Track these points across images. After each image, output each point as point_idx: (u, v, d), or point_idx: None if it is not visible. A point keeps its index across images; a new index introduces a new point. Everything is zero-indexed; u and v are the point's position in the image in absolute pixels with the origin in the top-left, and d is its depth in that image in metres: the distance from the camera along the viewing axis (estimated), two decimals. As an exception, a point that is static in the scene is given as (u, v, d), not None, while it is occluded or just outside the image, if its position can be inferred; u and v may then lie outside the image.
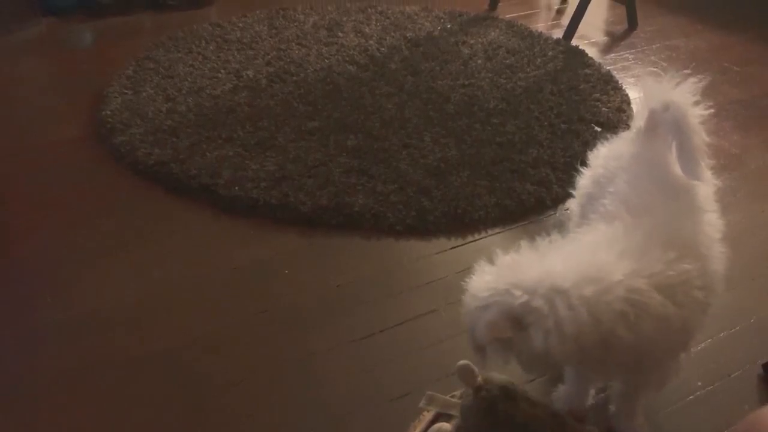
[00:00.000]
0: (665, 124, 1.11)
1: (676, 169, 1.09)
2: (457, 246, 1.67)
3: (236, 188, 1.78)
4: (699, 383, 1.30)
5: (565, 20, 2.82)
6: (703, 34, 2.87)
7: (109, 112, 2.11)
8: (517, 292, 0.87)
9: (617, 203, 1.07)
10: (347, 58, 2.48)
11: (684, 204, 1.06)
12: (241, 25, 2.75)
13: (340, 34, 2.68)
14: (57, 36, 2.74)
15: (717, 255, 1.03)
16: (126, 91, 2.24)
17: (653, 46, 2.76)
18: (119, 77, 2.33)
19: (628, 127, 2.16)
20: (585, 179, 1.28)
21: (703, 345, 1.38)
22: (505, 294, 0.88)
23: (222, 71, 2.38)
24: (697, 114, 1.08)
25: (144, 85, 2.27)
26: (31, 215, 1.75)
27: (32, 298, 1.50)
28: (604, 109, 2.20)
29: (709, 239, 1.04)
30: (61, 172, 1.91)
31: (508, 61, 2.50)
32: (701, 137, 1.08)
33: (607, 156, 1.24)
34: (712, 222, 1.08)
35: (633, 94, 2.36)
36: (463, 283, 0.96)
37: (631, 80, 2.47)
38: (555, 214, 1.78)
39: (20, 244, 1.66)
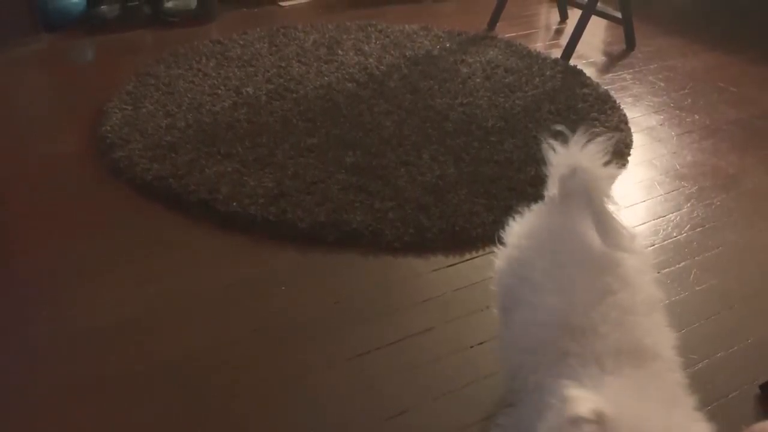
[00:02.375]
0: (574, 191, 1.00)
1: (597, 241, 0.98)
2: (455, 264, 1.67)
3: (234, 204, 1.78)
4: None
5: (564, 40, 2.84)
6: (700, 55, 2.89)
7: (108, 128, 2.12)
8: None
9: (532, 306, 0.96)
10: (347, 76, 2.50)
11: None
12: (241, 42, 2.77)
13: (339, 52, 2.70)
14: (58, 51, 2.76)
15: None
16: (126, 106, 2.25)
17: (651, 66, 2.78)
18: (119, 93, 2.34)
19: (626, 146, 2.17)
20: (501, 261, 1.13)
21: (700, 365, 1.38)
22: None
23: (222, 88, 2.39)
24: (607, 176, 0.98)
25: (144, 101, 2.28)
26: (29, 229, 1.75)
27: (29, 311, 1.49)
28: (601, 128, 2.21)
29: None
30: (59, 186, 1.92)
31: (506, 80, 2.51)
32: (613, 202, 0.97)
33: (520, 234, 1.11)
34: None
35: (631, 113, 2.37)
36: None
37: (629, 100, 2.48)
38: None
39: (17, 257, 1.65)
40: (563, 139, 1.03)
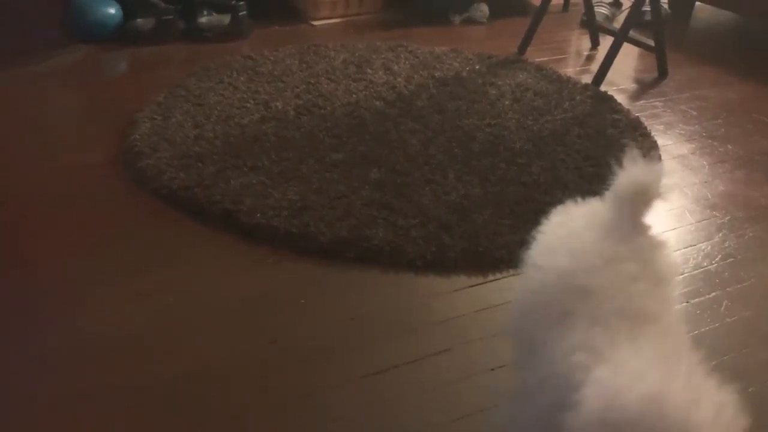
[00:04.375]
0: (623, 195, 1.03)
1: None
2: (477, 284, 1.64)
3: (258, 215, 1.78)
4: (725, 439, 1.24)
5: (595, 66, 2.82)
6: (733, 85, 2.85)
7: (137, 137, 2.14)
8: None
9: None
10: (375, 94, 2.50)
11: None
12: (272, 58, 2.79)
13: (369, 70, 2.71)
14: (93, 63, 2.81)
15: None
16: (156, 116, 2.27)
17: (683, 95, 2.74)
18: (150, 103, 2.37)
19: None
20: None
21: (730, 399, 1.32)
22: None
23: (251, 101, 2.41)
24: (654, 197, 1.01)
25: (174, 112, 2.31)
26: (50, 236, 1.76)
27: (43, 319, 1.49)
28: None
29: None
30: (85, 192, 1.93)
31: (535, 103, 2.49)
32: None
33: (556, 223, 1.13)
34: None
35: (662, 141, 2.33)
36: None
37: (661, 127, 2.45)
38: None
39: (38, 264, 1.66)
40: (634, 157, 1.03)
